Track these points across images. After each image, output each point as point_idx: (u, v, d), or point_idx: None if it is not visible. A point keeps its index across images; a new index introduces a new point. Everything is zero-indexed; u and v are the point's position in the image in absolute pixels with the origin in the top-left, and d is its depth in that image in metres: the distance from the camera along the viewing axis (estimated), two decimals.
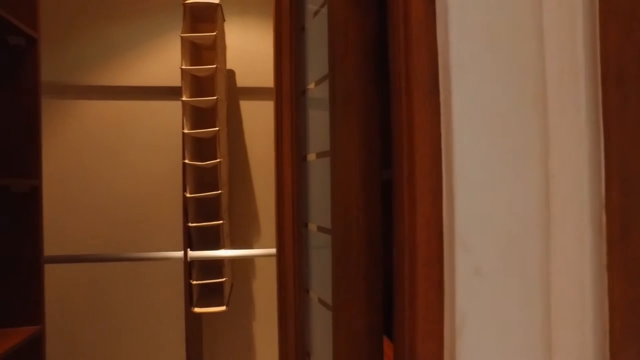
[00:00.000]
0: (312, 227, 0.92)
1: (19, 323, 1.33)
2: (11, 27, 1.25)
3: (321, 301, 0.85)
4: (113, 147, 2.03)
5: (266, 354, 2.14)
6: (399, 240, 0.57)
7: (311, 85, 0.91)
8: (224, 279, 1.81)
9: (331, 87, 0.69)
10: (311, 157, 0.91)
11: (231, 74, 2.14)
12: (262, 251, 1.79)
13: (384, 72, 0.67)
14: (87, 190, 2.00)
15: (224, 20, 1.99)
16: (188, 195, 1.72)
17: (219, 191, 1.74)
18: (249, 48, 2.15)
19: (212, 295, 1.90)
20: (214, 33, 1.73)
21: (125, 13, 2.08)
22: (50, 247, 1.48)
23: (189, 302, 1.80)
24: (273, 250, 1.70)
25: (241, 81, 2.16)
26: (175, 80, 2.07)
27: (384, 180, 0.68)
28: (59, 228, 1.89)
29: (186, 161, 1.71)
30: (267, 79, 2.16)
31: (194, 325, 1.93)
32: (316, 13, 0.86)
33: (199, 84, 1.92)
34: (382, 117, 0.69)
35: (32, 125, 1.38)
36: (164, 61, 2.09)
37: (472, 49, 0.51)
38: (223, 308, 1.81)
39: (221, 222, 1.76)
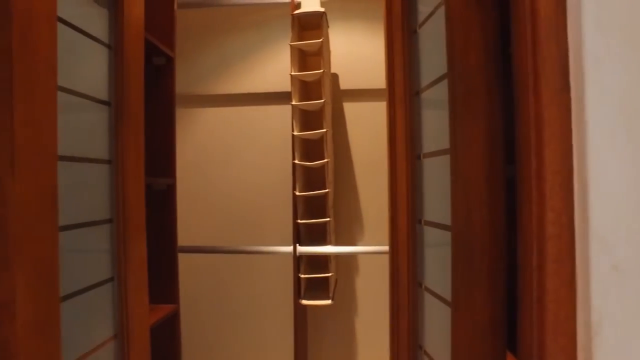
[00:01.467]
0: (426, 223, 0.94)
1: (161, 301, 1.55)
2: (156, 49, 1.47)
3: (436, 295, 0.87)
4: (231, 149, 2.23)
5: (368, 347, 2.19)
6: (526, 235, 0.57)
7: (425, 86, 0.93)
8: (330, 274, 1.89)
9: (451, 87, 0.71)
10: (425, 155, 0.94)
11: (335, 77, 2.22)
12: (373, 248, 1.83)
13: (505, 69, 0.68)
14: (211, 188, 2.24)
15: (328, 26, 2.08)
16: (297, 193, 1.83)
17: (327, 190, 1.83)
18: (351, 52, 2.22)
19: (318, 289, 2.00)
20: (321, 40, 1.83)
21: (240, 27, 2.28)
22: (182, 238, 1.69)
23: (297, 295, 1.92)
24: (384, 248, 1.74)
25: (344, 84, 2.23)
26: (284, 85, 2.21)
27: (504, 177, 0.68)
28: (190, 222, 2.13)
29: (296, 161, 1.83)
30: (369, 81, 2.21)
31: (300, 316, 2.05)
32: (430, 15, 0.88)
33: (306, 89, 2.04)
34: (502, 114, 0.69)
35: (169, 131, 1.59)
36: (273, 68, 2.25)
37: (608, 43, 0.50)
38: (329, 302, 1.89)
39: (328, 219, 1.85)
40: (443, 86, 0.81)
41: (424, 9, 0.94)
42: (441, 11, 0.82)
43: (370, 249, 1.85)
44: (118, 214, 1.03)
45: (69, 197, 0.90)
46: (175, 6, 1.66)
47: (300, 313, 2.02)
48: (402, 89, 1.00)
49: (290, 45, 1.86)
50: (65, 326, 0.85)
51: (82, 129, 0.96)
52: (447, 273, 0.80)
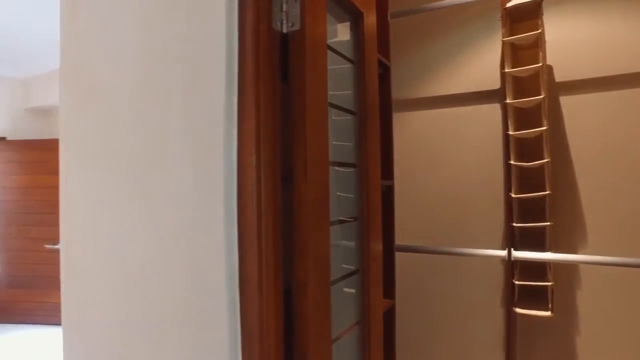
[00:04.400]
0: None
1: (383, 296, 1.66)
2: (379, 62, 1.59)
3: None
4: (437, 150, 2.25)
5: None
6: None
7: None
8: (550, 283, 1.73)
9: None
10: None
11: (549, 69, 2.03)
12: (620, 259, 1.54)
13: None
14: (418, 189, 2.30)
15: (542, 14, 1.92)
16: (513, 195, 1.73)
17: (547, 192, 1.69)
18: (567, 39, 2.00)
19: (533, 298, 1.85)
20: (539, 31, 1.70)
21: (440, 30, 2.28)
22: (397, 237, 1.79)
23: (511, 301, 1.81)
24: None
25: (560, 75, 2.02)
26: (489, 83, 2.13)
27: None
28: (399, 221, 2.23)
29: (512, 162, 1.74)
30: (590, 69, 1.95)
31: (512, 324, 1.93)
32: None
33: (519, 85, 1.92)
34: None
35: (387, 136, 1.70)
36: (478, 67, 2.18)
37: None
38: (548, 313, 1.74)
39: (548, 223, 1.70)
40: None
41: None
42: None
43: (619, 260, 1.57)
44: (362, 212, 1.15)
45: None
46: (389, 17, 1.76)
47: (512, 321, 1.90)
48: None
49: (503, 41, 1.78)
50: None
51: (335, 136, 1.10)
52: None
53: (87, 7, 1.07)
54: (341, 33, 1.25)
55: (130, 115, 0.95)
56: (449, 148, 2.23)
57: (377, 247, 1.21)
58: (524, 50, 1.93)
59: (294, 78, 0.87)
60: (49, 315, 4.45)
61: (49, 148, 4.50)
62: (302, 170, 0.85)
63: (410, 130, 2.34)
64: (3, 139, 4.65)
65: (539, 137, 1.77)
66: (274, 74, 0.84)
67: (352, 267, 1.17)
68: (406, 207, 2.30)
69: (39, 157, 4.52)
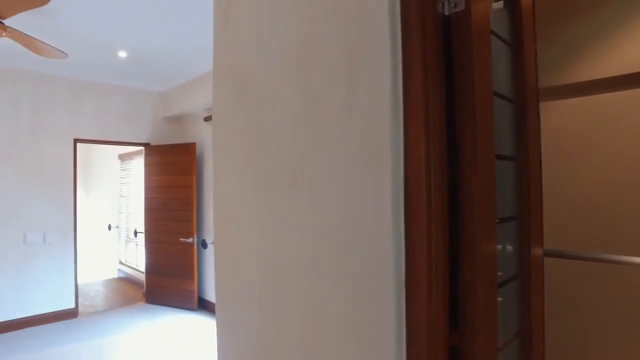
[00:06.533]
0: None
1: None
2: None
3: None
4: (585, 142, 1.99)
5: None
6: None
7: None
8: None
9: None
10: None
11: None
12: None
13: None
14: (564, 186, 2.05)
15: None
16: None
17: None
18: None
19: None
20: None
21: (592, 3, 2.00)
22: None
23: None
24: None
25: None
26: None
27: None
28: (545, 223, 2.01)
29: None
30: None
31: None
32: None
33: None
34: None
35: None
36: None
37: None
38: None
39: None
40: None
41: None
42: None
43: None
44: (523, 212, 1.04)
45: None
46: None
47: None
48: None
49: None
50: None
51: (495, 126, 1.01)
52: None
53: (239, 13, 1.12)
54: None
55: (287, 113, 0.96)
56: (600, 139, 1.95)
57: (539, 251, 1.09)
58: None
59: (461, 64, 0.80)
60: (183, 300, 4.94)
61: (180, 151, 5.00)
62: (471, 163, 0.78)
63: (552, 120, 2.10)
64: (147, 144, 5.29)
65: None
66: (440, 60, 0.78)
67: (502, 274, 1.06)
68: (548, 207, 2.06)
69: (173, 159, 5.04)
